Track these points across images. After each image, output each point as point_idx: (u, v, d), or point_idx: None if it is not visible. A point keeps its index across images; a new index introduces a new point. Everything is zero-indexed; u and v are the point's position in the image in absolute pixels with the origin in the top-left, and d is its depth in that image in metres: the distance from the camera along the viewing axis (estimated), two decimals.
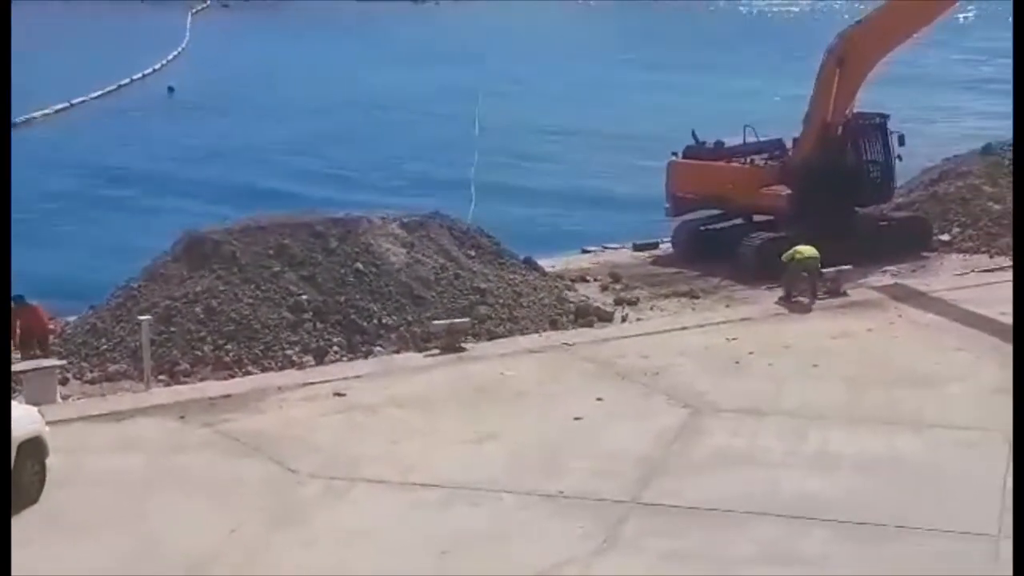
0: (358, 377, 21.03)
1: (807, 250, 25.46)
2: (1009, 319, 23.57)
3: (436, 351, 22.22)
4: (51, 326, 22.66)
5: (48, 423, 16.35)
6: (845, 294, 25.81)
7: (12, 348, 21.01)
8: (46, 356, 21.33)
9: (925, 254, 29.22)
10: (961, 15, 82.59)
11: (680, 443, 17.94)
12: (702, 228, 30.36)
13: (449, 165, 45.94)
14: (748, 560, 14.38)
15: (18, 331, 21.60)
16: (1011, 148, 31.57)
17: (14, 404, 16.32)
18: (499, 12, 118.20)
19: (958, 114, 63.89)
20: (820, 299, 25.50)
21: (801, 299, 25.36)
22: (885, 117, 29.72)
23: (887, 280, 27.28)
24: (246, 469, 17.21)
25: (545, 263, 27.89)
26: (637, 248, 31.17)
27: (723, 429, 18.51)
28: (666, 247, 30.95)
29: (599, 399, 19.75)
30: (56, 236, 38.82)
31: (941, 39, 66.99)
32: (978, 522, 15.14)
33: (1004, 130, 34.72)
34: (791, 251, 25.54)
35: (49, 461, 16.10)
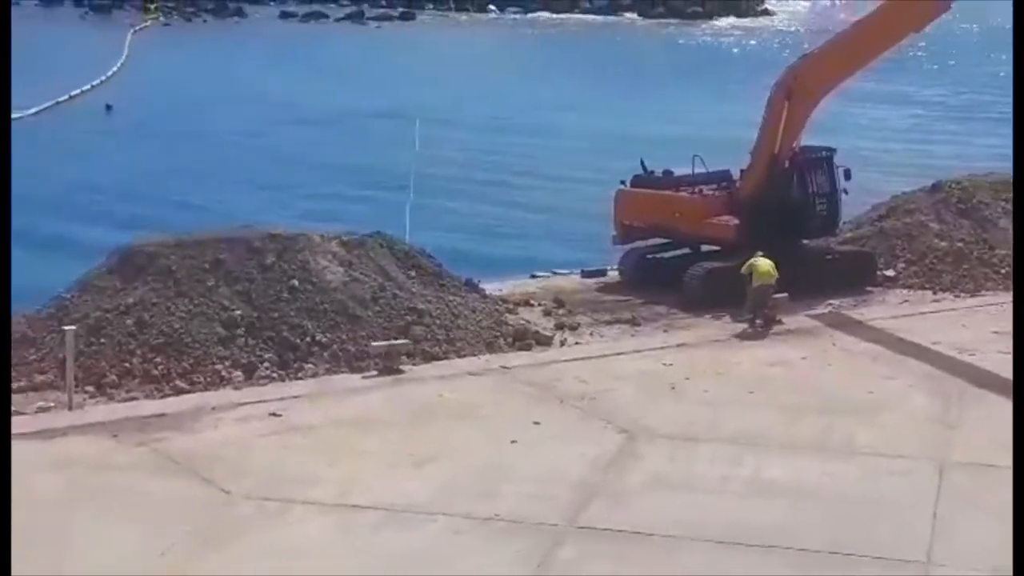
0: (295, 397, 20.85)
1: (763, 264, 25.61)
2: (940, 348, 23.96)
3: (374, 372, 22.14)
4: None
5: None
6: (780, 322, 26.03)
7: None
8: None
9: (869, 289, 29.49)
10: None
11: (616, 468, 18.00)
12: (648, 256, 30.44)
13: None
14: None
15: None
16: (959, 186, 32.01)
17: None
18: (439, 34, 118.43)
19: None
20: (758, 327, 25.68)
21: (758, 324, 25.45)
22: (831, 151, 29.97)
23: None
24: (179, 489, 17.01)
25: (492, 287, 27.81)
26: (585, 275, 31.18)
27: (659, 454, 18.59)
28: (614, 274, 31.00)
29: (536, 423, 19.76)
30: None
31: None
32: (909, 550, 15.34)
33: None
34: (748, 263, 25.68)
35: None
